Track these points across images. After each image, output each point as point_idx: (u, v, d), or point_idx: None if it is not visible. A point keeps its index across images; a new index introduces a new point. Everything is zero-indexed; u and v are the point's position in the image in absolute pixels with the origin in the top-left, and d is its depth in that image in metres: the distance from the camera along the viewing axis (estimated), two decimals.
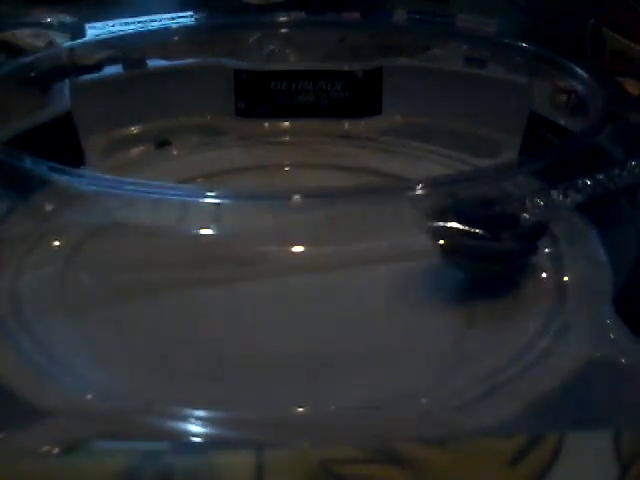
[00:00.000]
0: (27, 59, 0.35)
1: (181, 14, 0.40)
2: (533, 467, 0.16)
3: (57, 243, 0.28)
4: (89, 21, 0.39)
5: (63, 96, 0.36)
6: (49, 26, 0.44)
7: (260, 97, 0.39)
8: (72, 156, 0.35)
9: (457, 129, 0.38)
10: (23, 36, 0.41)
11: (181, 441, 0.20)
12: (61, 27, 0.44)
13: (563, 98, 0.34)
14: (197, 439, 0.20)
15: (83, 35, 0.37)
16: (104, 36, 0.37)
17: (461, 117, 0.37)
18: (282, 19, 0.40)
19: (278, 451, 0.16)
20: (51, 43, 0.40)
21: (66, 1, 0.51)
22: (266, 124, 0.40)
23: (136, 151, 0.38)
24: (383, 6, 0.49)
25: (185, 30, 0.39)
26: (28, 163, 0.24)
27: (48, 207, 0.27)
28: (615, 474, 0.16)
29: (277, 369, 0.23)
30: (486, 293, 0.25)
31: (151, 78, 0.38)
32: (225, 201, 0.23)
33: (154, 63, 0.39)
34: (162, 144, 0.38)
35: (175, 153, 0.38)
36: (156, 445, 0.17)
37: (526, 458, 0.16)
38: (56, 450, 0.17)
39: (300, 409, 0.21)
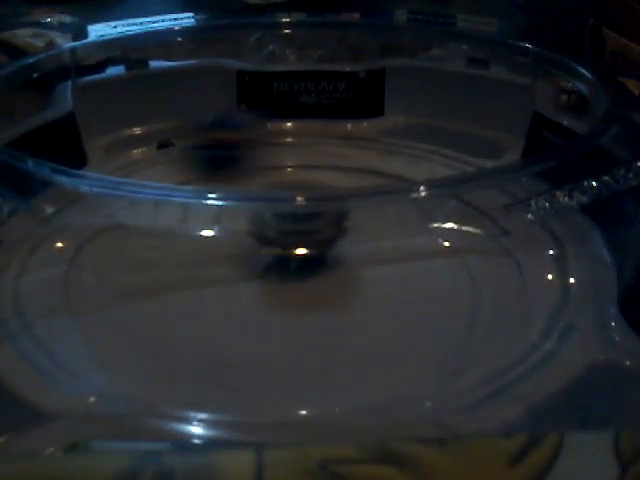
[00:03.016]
0: (29, 60, 0.34)
1: (182, 15, 0.40)
2: (533, 467, 0.16)
3: (60, 245, 0.28)
4: (89, 21, 0.39)
5: (65, 97, 0.36)
6: (49, 26, 0.44)
7: (262, 98, 0.39)
8: (74, 157, 0.35)
9: (460, 130, 0.38)
10: (23, 36, 0.41)
11: (181, 441, 0.19)
12: (61, 27, 0.44)
13: (564, 98, 0.34)
14: (198, 441, 0.20)
15: (85, 36, 0.37)
16: (106, 37, 0.37)
17: (464, 118, 0.37)
18: (282, 19, 0.40)
19: (278, 451, 0.16)
20: (51, 43, 0.40)
21: (66, 1, 0.51)
22: (268, 125, 0.39)
23: (138, 152, 0.38)
24: (383, 6, 0.49)
25: (186, 31, 0.39)
26: (30, 165, 0.24)
27: (50, 209, 0.27)
28: (615, 474, 0.16)
29: (278, 371, 0.23)
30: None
31: (153, 79, 0.38)
32: (228, 202, 0.23)
33: (156, 64, 0.39)
34: (164, 145, 0.38)
35: (177, 154, 0.38)
36: (156, 445, 0.17)
37: (526, 458, 0.16)
38: (56, 450, 0.17)
39: (302, 411, 0.21)
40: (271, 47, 0.41)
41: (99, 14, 0.45)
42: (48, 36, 0.41)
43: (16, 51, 0.39)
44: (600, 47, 0.40)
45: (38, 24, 0.43)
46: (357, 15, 0.41)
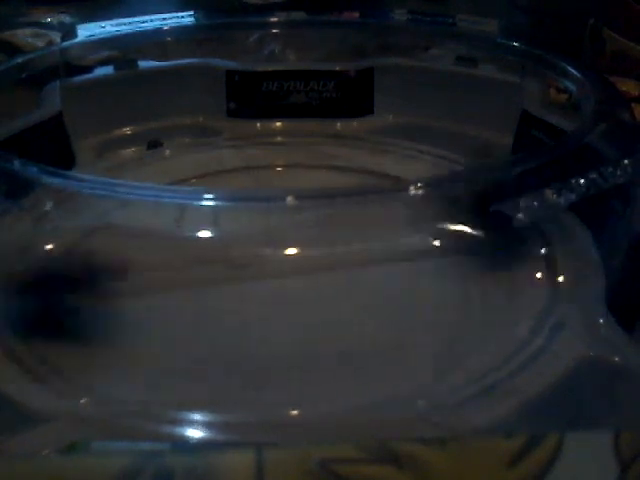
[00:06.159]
0: (18, 60, 0.34)
1: (180, 14, 0.40)
2: (533, 467, 0.16)
3: (50, 247, 0.28)
4: (89, 21, 0.39)
5: (54, 97, 0.36)
6: (49, 26, 0.44)
7: (252, 97, 0.39)
8: (63, 158, 0.35)
9: (449, 129, 0.38)
10: (23, 36, 0.41)
11: (181, 441, 0.20)
12: (61, 27, 0.44)
13: (563, 98, 0.34)
14: (194, 442, 0.20)
15: (74, 35, 0.37)
16: (96, 37, 0.37)
17: (453, 116, 0.38)
18: (282, 19, 0.40)
19: (278, 451, 0.16)
20: (51, 43, 0.40)
21: (66, 1, 0.51)
22: (258, 125, 0.40)
23: (128, 152, 0.37)
24: (383, 6, 0.49)
25: (183, 30, 0.39)
26: (18, 165, 0.24)
27: (40, 210, 0.27)
28: (615, 474, 0.16)
29: (275, 371, 0.23)
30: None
31: (142, 79, 0.38)
32: (221, 203, 0.23)
33: (145, 64, 0.39)
34: (154, 145, 0.38)
35: (167, 154, 0.38)
36: (156, 445, 0.17)
37: (526, 458, 0.16)
38: (55, 450, 0.17)
39: (298, 411, 0.21)
40: (271, 47, 0.41)
41: (99, 14, 0.44)
42: (48, 36, 0.41)
43: (16, 51, 0.39)
44: (600, 47, 0.40)
45: (38, 24, 0.43)
46: (357, 15, 0.41)
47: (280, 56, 0.41)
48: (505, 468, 0.16)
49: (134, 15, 0.38)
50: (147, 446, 0.17)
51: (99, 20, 0.38)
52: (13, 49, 0.39)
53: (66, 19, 0.45)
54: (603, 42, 0.40)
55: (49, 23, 0.44)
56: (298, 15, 0.40)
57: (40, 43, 0.40)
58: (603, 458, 0.16)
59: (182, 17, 0.39)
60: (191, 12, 0.39)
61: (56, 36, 0.40)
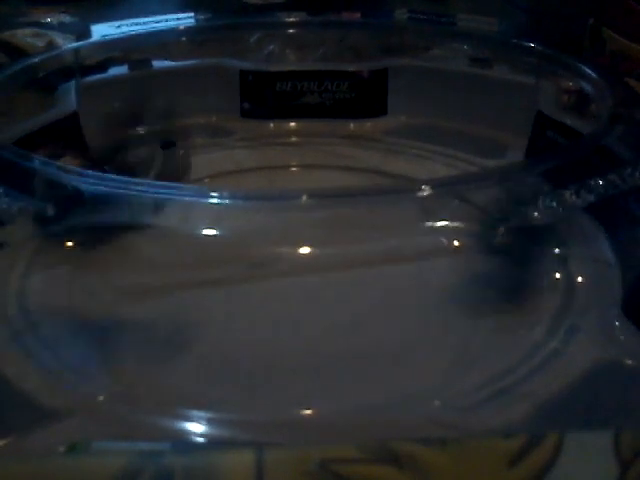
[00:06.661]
0: (33, 60, 0.35)
1: (184, 15, 0.40)
2: (533, 467, 0.16)
3: (66, 244, 0.28)
4: (89, 21, 0.39)
5: (69, 97, 0.36)
6: (49, 26, 0.44)
7: (265, 98, 0.39)
8: None
9: (463, 129, 0.38)
10: (23, 36, 0.41)
11: (181, 441, 0.20)
12: (61, 27, 0.44)
13: (564, 98, 0.34)
14: (201, 439, 0.20)
15: (88, 36, 0.37)
16: (109, 37, 0.37)
17: (467, 117, 0.37)
18: (282, 19, 0.40)
19: (278, 451, 0.16)
20: (51, 43, 0.40)
21: (66, 1, 0.51)
22: (271, 125, 0.40)
23: (142, 152, 0.38)
24: (383, 6, 0.49)
25: (189, 31, 0.39)
26: (37, 163, 0.24)
27: (57, 208, 0.27)
28: (615, 474, 0.16)
29: (282, 371, 0.23)
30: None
31: (156, 79, 0.38)
32: (232, 202, 0.23)
33: (159, 64, 0.39)
34: (167, 145, 0.38)
35: (181, 154, 0.38)
36: (156, 445, 0.17)
37: (526, 458, 0.16)
38: (56, 450, 0.17)
39: (307, 411, 0.21)
40: (271, 47, 0.41)
41: (99, 14, 0.45)
42: (48, 36, 0.41)
43: (16, 51, 0.39)
44: (600, 47, 0.40)
45: (38, 24, 0.44)
46: (358, 15, 0.41)
47: (280, 56, 0.40)
48: (505, 468, 0.16)
49: (134, 15, 0.39)
50: (147, 446, 0.16)
51: (101, 20, 0.38)
52: (13, 49, 0.40)
53: (66, 19, 0.45)
54: (603, 42, 0.39)
55: (49, 23, 0.44)
56: (298, 15, 0.40)
57: (40, 43, 0.40)
58: (603, 458, 0.16)
59: (184, 18, 0.39)
60: (190, 13, 0.39)
61: (56, 36, 0.40)
